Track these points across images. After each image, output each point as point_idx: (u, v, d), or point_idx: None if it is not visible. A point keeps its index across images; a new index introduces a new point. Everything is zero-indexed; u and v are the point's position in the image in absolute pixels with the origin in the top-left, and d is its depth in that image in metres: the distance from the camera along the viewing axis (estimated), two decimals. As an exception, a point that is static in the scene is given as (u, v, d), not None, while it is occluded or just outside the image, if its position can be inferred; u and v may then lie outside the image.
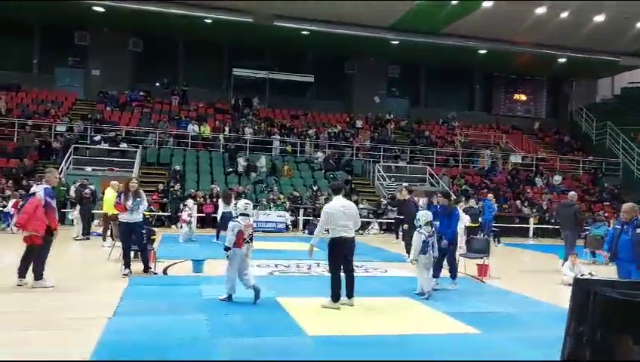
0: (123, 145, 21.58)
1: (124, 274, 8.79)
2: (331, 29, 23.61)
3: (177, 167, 20.86)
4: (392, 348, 5.45)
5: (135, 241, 9.09)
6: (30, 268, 7.78)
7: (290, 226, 19.14)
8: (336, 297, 7.09)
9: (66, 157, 19.63)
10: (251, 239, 7.42)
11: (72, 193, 16.03)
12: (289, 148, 24.45)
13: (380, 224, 20.30)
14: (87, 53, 26.25)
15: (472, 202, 15.64)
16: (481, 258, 10.33)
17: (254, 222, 18.08)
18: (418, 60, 29.17)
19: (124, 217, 9.03)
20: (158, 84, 27.80)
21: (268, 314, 6.64)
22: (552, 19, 21.79)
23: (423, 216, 8.19)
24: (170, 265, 10.22)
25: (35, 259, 7.76)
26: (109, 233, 12.49)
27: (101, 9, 22.43)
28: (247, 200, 7.90)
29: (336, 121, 27.85)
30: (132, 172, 19.52)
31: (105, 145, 21.39)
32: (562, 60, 27.06)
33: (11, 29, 25.10)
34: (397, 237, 15.96)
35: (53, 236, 7.90)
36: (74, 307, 6.69)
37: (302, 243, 15.04)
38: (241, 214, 7.45)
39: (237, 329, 5.90)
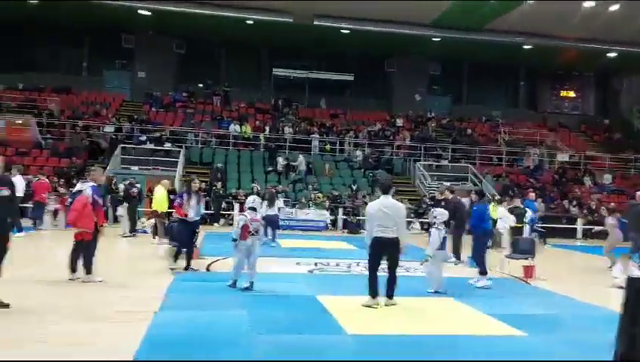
0: (167, 145, 22.13)
1: (171, 268, 9.01)
2: (371, 27, 23.50)
3: (219, 165, 21.22)
4: (433, 349, 5.37)
5: (187, 239, 9.30)
6: (81, 263, 8.08)
7: (329, 225, 19.18)
8: (372, 293, 7.06)
9: (113, 157, 20.28)
10: (257, 232, 7.82)
11: (121, 192, 16.51)
12: (328, 147, 24.50)
13: (421, 223, 20.06)
14: (133, 56, 27.05)
15: (518, 201, 15.23)
16: (527, 258, 10.08)
17: (294, 220, 18.50)
18: (460, 57, 28.67)
19: (185, 216, 9.22)
20: (200, 84, 28.36)
21: (308, 312, 6.67)
22: (601, 12, 21.00)
23: (440, 214, 8.30)
24: (212, 262, 10.40)
25: (84, 254, 8.04)
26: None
27: (147, 12, 23.07)
28: (256, 196, 8.80)
29: (375, 119, 27.71)
30: (176, 171, 19.99)
31: (150, 145, 21.97)
32: (612, 55, 26.04)
33: (63, 33, 26.18)
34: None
35: (100, 232, 8.16)
36: (122, 301, 6.90)
37: (341, 243, 15.05)
38: (249, 208, 7.93)
39: (277, 326, 5.95)
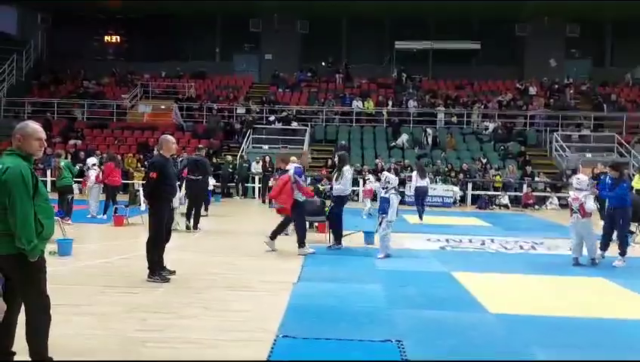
0: (294, 124, 22.87)
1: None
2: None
3: (343, 142, 21.49)
4: (589, 332, 5.02)
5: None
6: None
7: (457, 201, 18.56)
8: None
9: (246, 137, 21.46)
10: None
11: (252, 169, 17.48)
12: (454, 119, 23.64)
13: (559, 198, 18.73)
14: (260, 39, 28.17)
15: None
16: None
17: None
18: (602, 15, 25.86)
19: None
20: (323, 63, 28.78)
21: (444, 288, 6.57)
22: None
23: (394, 179, 8.78)
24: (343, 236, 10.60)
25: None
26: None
27: (272, -4, 23.84)
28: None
29: (505, 88, 26.13)
30: (302, 149, 20.60)
31: (278, 125, 22.87)
32: None
33: (198, 23, 28.10)
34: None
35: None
36: (265, 271, 7.34)
37: (472, 218, 14.60)
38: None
39: (414, 302, 5.93)
